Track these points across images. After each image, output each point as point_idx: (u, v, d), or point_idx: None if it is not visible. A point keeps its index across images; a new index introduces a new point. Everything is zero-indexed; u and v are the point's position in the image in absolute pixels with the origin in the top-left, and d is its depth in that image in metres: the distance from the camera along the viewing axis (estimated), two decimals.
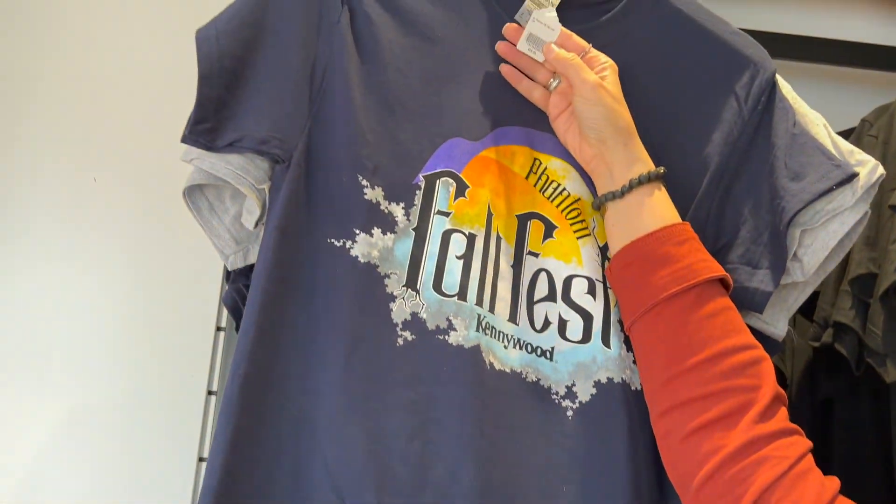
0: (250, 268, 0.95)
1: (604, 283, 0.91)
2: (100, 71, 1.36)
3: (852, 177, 0.89)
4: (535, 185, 0.93)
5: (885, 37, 1.48)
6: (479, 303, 0.86)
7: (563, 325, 0.89)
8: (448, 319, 0.85)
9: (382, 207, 0.87)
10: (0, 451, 1.24)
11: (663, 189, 0.89)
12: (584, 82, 0.89)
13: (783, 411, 0.80)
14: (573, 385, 0.88)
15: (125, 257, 1.31)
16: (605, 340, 0.89)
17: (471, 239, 0.88)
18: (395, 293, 0.85)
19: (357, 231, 0.85)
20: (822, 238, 0.90)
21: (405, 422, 0.81)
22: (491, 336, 0.86)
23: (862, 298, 1.27)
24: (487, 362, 0.85)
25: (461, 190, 0.90)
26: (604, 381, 0.88)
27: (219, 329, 1.29)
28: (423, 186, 0.88)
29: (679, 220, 0.87)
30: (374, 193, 0.87)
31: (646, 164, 0.89)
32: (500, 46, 0.95)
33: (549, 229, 0.92)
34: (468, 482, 0.80)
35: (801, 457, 0.76)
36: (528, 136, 0.94)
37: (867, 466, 1.33)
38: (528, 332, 0.89)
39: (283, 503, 0.80)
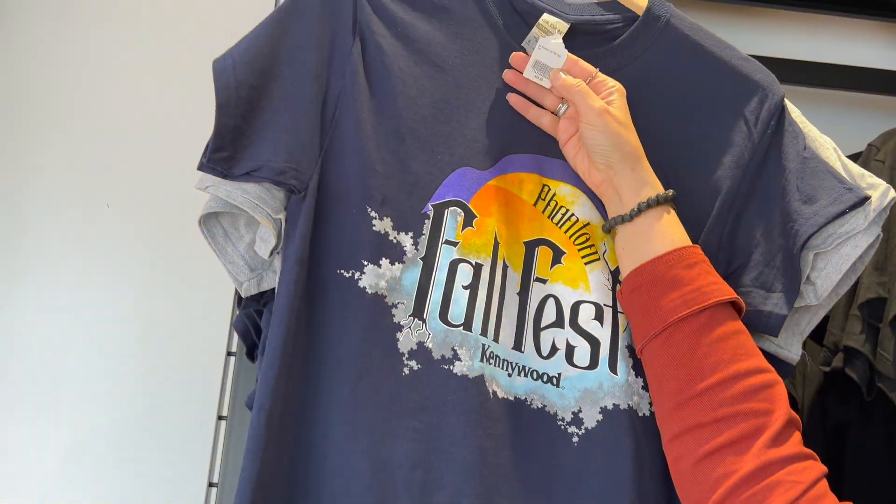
0: (262, 293, 0.91)
1: (613, 308, 0.86)
2: (114, 98, 1.33)
3: (864, 200, 0.84)
4: (543, 212, 0.89)
5: (891, 62, 1.41)
6: (484, 332, 0.82)
7: (570, 351, 0.85)
8: (453, 349, 0.81)
9: (391, 238, 0.83)
10: (11, 475, 1.21)
11: (673, 212, 0.84)
12: (590, 108, 0.84)
13: (797, 436, 0.74)
14: (580, 411, 0.83)
15: (136, 283, 1.28)
16: (613, 366, 0.84)
17: (477, 269, 0.84)
18: (402, 323, 0.81)
19: (365, 262, 0.82)
20: (835, 261, 0.85)
21: (409, 450, 0.78)
22: (495, 365, 0.82)
23: (872, 323, 1.20)
24: (491, 391, 0.81)
25: (469, 220, 0.85)
26: (610, 407, 0.83)
27: (229, 354, 1.25)
28: (431, 216, 0.84)
29: (689, 242, 0.82)
30: (382, 224, 0.83)
31: (654, 188, 0.84)
32: (508, 75, 0.90)
33: (558, 255, 0.87)
34: None
35: (816, 482, 0.71)
36: (538, 162, 0.90)
37: (880, 492, 1.26)
38: (534, 358, 0.84)
39: None
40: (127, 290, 1.28)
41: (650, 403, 0.84)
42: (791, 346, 0.89)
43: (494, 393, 0.82)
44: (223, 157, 0.80)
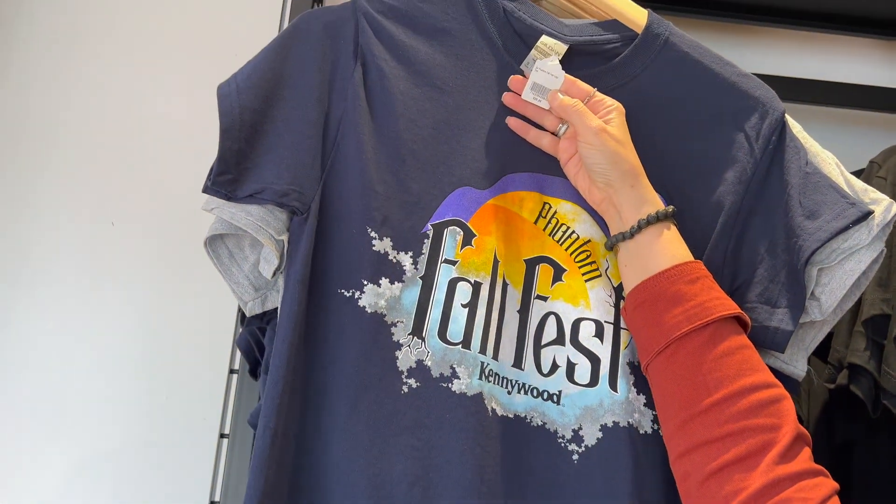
0: (264, 312, 0.88)
1: (614, 325, 0.82)
2: (120, 118, 1.30)
3: (868, 215, 0.79)
4: (544, 230, 0.84)
5: (890, 79, 1.36)
6: (483, 350, 0.78)
7: (571, 368, 0.80)
8: (452, 367, 0.77)
9: (391, 257, 0.79)
10: (14, 493, 1.16)
11: (674, 228, 0.79)
12: (587, 128, 0.80)
13: (806, 451, 0.69)
14: (580, 429, 0.78)
15: (139, 301, 1.24)
16: (613, 384, 0.79)
17: (476, 287, 0.79)
18: (401, 341, 0.77)
19: (365, 282, 0.78)
20: (840, 276, 0.80)
21: (407, 468, 0.74)
22: (494, 383, 0.78)
23: (876, 340, 1.14)
24: (489, 409, 0.76)
25: (468, 239, 0.81)
26: (610, 424, 0.78)
27: (232, 372, 1.20)
28: (431, 235, 0.80)
29: (691, 258, 0.77)
30: (382, 244, 0.79)
31: (654, 205, 0.80)
32: (506, 97, 0.86)
33: (559, 272, 0.83)
34: None
35: (826, 499, 0.66)
36: (538, 181, 0.85)
37: None
38: (534, 376, 0.80)
39: None
40: (130, 307, 1.24)
41: (652, 420, 0.79)
42: (797, 362, 0.84)
43: (493, 410, 0.77)
44: (227, 181, 0.78)
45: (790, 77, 1.26)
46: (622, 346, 0.81)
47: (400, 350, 0.77)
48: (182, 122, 1.29)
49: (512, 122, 0.87)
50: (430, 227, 0.81)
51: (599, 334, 0.81)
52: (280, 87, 0.83)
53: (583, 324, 0.82)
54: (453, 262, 0.80)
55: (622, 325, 0.82)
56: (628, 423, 0.79)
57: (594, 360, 0.81)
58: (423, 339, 0.78)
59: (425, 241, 0.81)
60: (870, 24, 1.30)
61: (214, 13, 1.35)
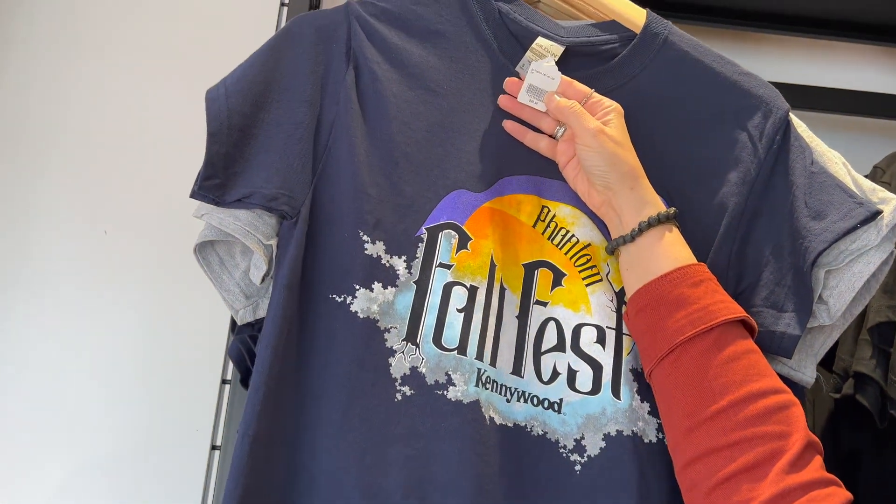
0: (256, 320, 0.84)
1: (616, 330, 0.77)
2: (112, 125, 1.26)
3: (876, 214, 0.75)
4: (542, 233, 0.80)
5: (894, 86, 1.36)
6: (480, 356, 0.73)
7: (572, 375, 0.75)
8: (447, 374, 0.72)
9: (384, 262, 0.75)
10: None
11: (676, 230, 0.75)
12: (585, 129, 0.76)
13: (818, 460, 0.65)
14: (582, 438, 0.73)
15: (131, 310, 1.19)
16: (616, 391, 0.75)
17: (472, 291, 0.75)
18: (394, 347, 0.73)
19: (357, 286, 0.74)
20: (848, 279, 0.76)
21: (401, 478, 0.69)
22: (492, 390, 0.73)
23: (882, 348, 1.09)
24: (487, 417, 0.72)
25: (463, 242, 0.77)
26: (613, 433, 0.73)
27: (224, 382, 1.16)
28: (425, 239, 0.76)
29: (694, 260, 0.73)
30: (374, 248, 0.75)
31: (655, 207, 0.76)
32: (502, 100, 0.82)
33: (558, 277, 0.78)
34: None
35: None
36: (536, 184, 0.81)
37: None
38: (534, 384, 0.75)
39: None
40: (122, 317, 1.19)
41: (657, 429, 0.74)
42: (805, 369, 0.79)
43: (491, 419, 0.72)
44: (214, 185, 0.75)
45: (792, 84, 1.22)
46: (625, 353, 0.77)
47: (393, 356, 0.73)
48: (178, 129, 1.26)
49: (508, 125, 0.83)
50: (424, 230, 0.77)
51: (601, 340, 0.77)
52: (270, 90, 0.79)
53: (584, 330, 0.77)
54: (448, 266, 0.76)
55: (624, 330, 0.78)
56: (632, 431, 0.74)
57: (596, 367, 0.76)
58: (417, 346, 0.74)
59: (419, 244, 0.77)
60: (873, 31, 1.26)
61: (211, 20, 1.32)
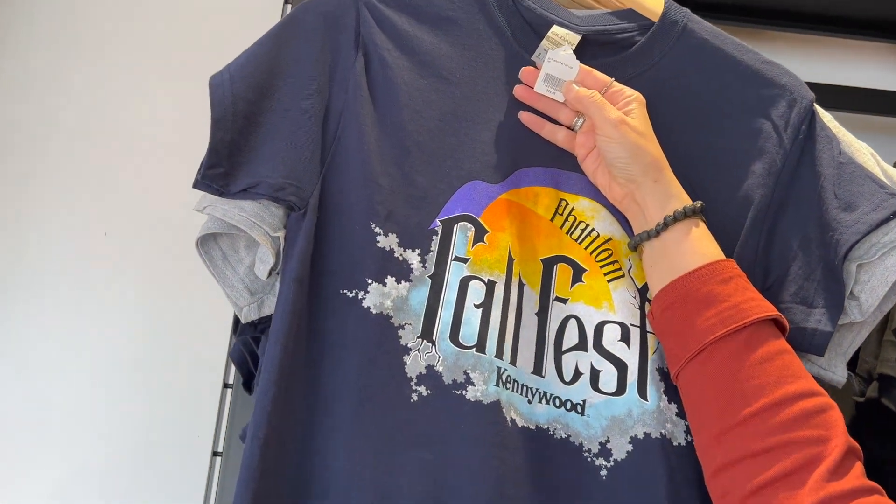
0: (259, 319, 0.79)
1: (640, 328, 0.72)
2: (110, 124, 1.21)
3: None
4: (560, 227, 0.75)
5: None
6: (500, 354, 0.69)
7: (595, 375, 0.71)
8: (465, 373, 0.67)
9: (397, 255, 0.70)
10: None
11: (702, 224, 0.70)
12: (606, 120, 0.72)
13: (859, 466, 0.60)
14: (607, 441, 0.69)
15: (131, 311, 1.15)
16: (642, 391, 0.70)
17: (490, 286, 0.71)
18: (409, 345, 0.68)
19: (369, 280, 0.69)
20: (881, 273, 0.71)
21: (417, 484, 0.65)
22: (512, 390, 0.68)
23: None
24: (508, 419, 0.67)
25: (480, 235, 0.72)
26: (640, 436, 0.69)
27: (226, 386, 1.11)
28: (440, 231, 0.72)
29: (722, 256, 0.69)
30: (387, 241, 0.71)
31: (680, 200, 0.71)
32: (518, 90, 0.78)
33: (578, 273, 0.74)
34: None
35: None
36: (553, 176, 0.77)
37: None
38: (556, 384, 0.70)
39: None
40: (120, 319, 1.15)
41: (685, 431, 0.70)
42: (835, 368, 0.75)
43: (513, 421, 0.67)
44: (219, 174, 0.70)
45: (808, 82, 1.17)
46: (650, 351, 0.72)
47: (408, 354, 0.68)
48: (179, 129, 1.21)
49: (524, 116, 0.78)
50: (438, 222, 0.73)
51: (625, 338, 0.72)
52: (276, 77, 0.75)
53: (607, 327, 0.72)
54: (464, 260, 0.72)
55: (649, 328, 0.73)
56: (661, 433, 0.69)
57: (620, 367, 0.71)
58: (433, 343, 0.69)
59: (434, 237, 0.72)
60: (882, 28, 1.21)
61: (212, 20, 1.28)
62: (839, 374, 0.75)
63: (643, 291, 0.74)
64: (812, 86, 0.81)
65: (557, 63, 0.77)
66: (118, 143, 1.22)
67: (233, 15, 1.28)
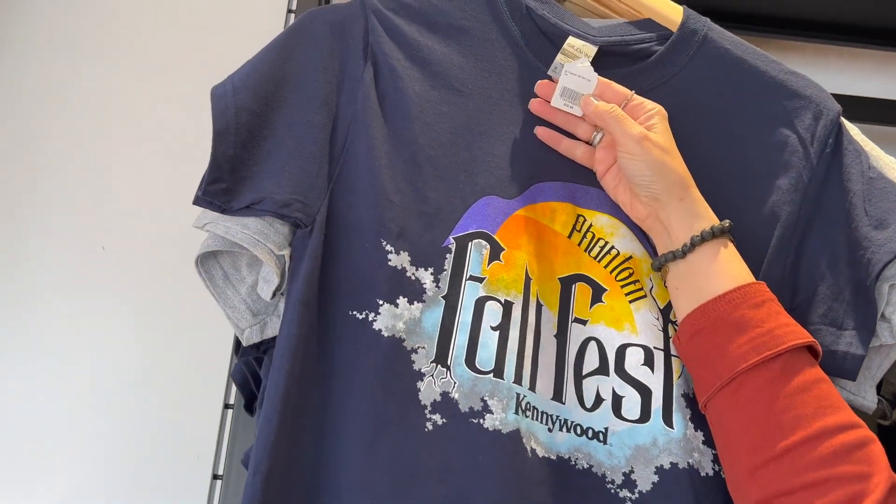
0: (265, 340, 0.76)
1: (664, 351, 0.68)
2: (109, 138, 1.17)
3: None
4: (579, 245, 0.71)
5: None
6: (518, 380, 0.64)
7: (617, 401, 0.66)
8: (483, 400, 0.63)
9: (409, 274, 0.66)
10: None
11: (731, 245, 0.66)
12: (628, 135, 0.68)
13: None
14: (631, 472, 0.64)
15: (129, 328, 1.10)
16: (667, 419, 0.66)
17: (507, 307, 0.66)
18: (422, 370, 0.64)
19: (380, 301, 0.65)
20: None
21: None
22: (532, 418, 0.64)
23: None
24: (529, 449, 0.63)
25: (496, 253, 0.68)
26: (667, 466, 0.64)
27: (227, 406, 1.05)
28: (453, 249, 0.68)
29: (752, 278, 0.65)
30: (399, 259, 0.66)
31: (707, 219, 0.67)
32: (534, 105, 0.74)
33: (598, 293, 0.70)
34: None
35: None
36: (570, 191, 0.73)
37: None
38: (577, 411, 0.66)
39: None
40: (119, 336, 1.09)
41: (713, 460, 0.66)
42: (866, 393, 0.71)
43: (533, 451, 0.63)
44: (221, 190, 0.66)
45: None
46: (675, 376, 0.68)
47: (422, 380, 0.64)
48: (179, 142, 1.17)
49: (541, 132, 0.74)
50: (451, 240, 0.69)
51: (649, 362, 0.68)
52: (281, 88, 0.71)
53: (629, 350, 0.68)
54: (480, 279, 0.67)
55: (673, 351, 0.69)
56: (688, 464, 0.65)
57: (644, 392, 0.67)
58: (448, 368, 0.64)
59: (447, 255, 0.68)
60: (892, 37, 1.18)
61: (215, 30, 1.23)
62: (869, 400, 0.71)
63: (666, 312, 0.70)
64: (837, 98, 0.78)
65: (575, 76, 0.73)
66: (118, 155, 1.17)
67: (235, 24, 1.24)
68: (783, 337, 0.61)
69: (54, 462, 1.05)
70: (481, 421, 0.63)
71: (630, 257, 0.72)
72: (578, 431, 0.66)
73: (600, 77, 0.73)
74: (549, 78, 0.75)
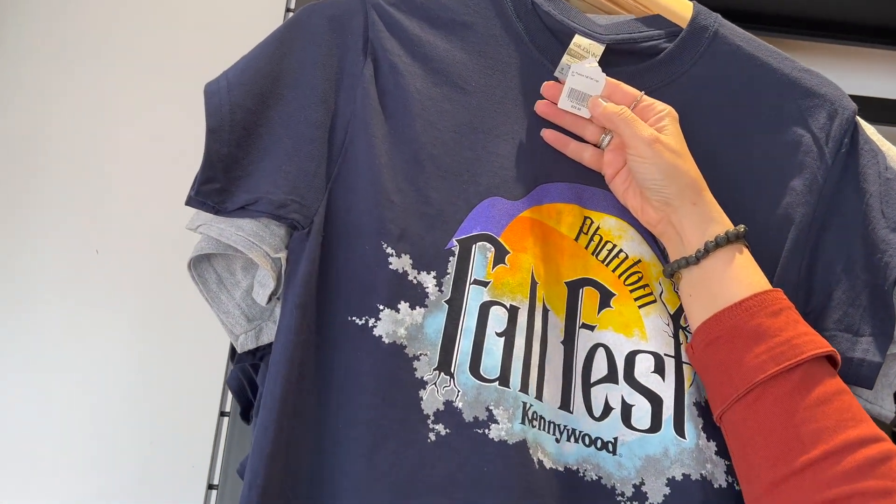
0: (258, 347, 0.73)
1: (675, 358, 0.66)
2: (103, 142, 1.14)
3: None
4: (586, 248, 0.69)
5: None
6: (524, 388, 0.62)
7: (626, 410, 0.64)
8: (488, 409, 0.60)
9: (410, 277, 0.64)
10: None
11: (746, 251, 0.64)
12: (638, 138, 0.65)
13: None
14: (642, 484, 0.62)
15: (123, 334, 1.06)
16: (679, 429, 0.63)
17: (512, 312, 0.64)
18: (425, 378, 0.61)
19: (381, 307, 0.63)
20: None
21: None
22: (539, 428, 0.62)
23: None
24: (536, 460, 0.60)
25: (500, 256, 0.66)
26: (679, 478, 0.62)
27: (222, 414, 1.02)
28: (457, 252, 0.65)
29: (769, 285, 0.62)
30: (400, 262, 0.64)
31: (722, 224, 0.65)
32: (540, 106, 0.71)
33: (606, 297, 0.67)
34: None
35: None
36: (577, 192, 0.70)
37: None
38: (585, 420, 0.64)
39: None
40: (112, 343, 1.06)
41: (726, 472, 0.63)
42: (883, 401, 0.68)
43: (540, 462, 0.60)
44: (214, 190, 0.63)
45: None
46: (686, 384, 0.65)
47: (424, 389, 0.61)
48: (174, 145, 1.14)
49: (547, 135, 0.72)
50: (455, 242, 0.66)
51: (660, 370, 0.65)
52: (278, 85, 0.68)
53: (639, 357, 0.66)
54: (484, 284, 0.65)
55: (684, 358, 0.66)
56: (700, 475, 0.62)
57: (655, 401, 0.64)
58: (451, 376, 0.62)
59: (450, 258, 0.65)
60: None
61: (212, 31, 1.21)
62: (887, 409, 0.68)
63: (676, 317, 0.68)
64: (853, 98, 0.75)
65: (582, 77, 0.71)
66: (111, 158, 1.15)
67: (233, 24, 1.21)
68: (802, 346, 0.58)
69: (47, 470, 1.02)
70: (486, 431, 0.60)
71: (639, 261, 0.69)
72: (587, 442, 0.63)
73: (609, 78, 0.71)
74: (555, 79, 0.73)
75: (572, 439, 0.63)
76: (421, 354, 0.62)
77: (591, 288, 0.68)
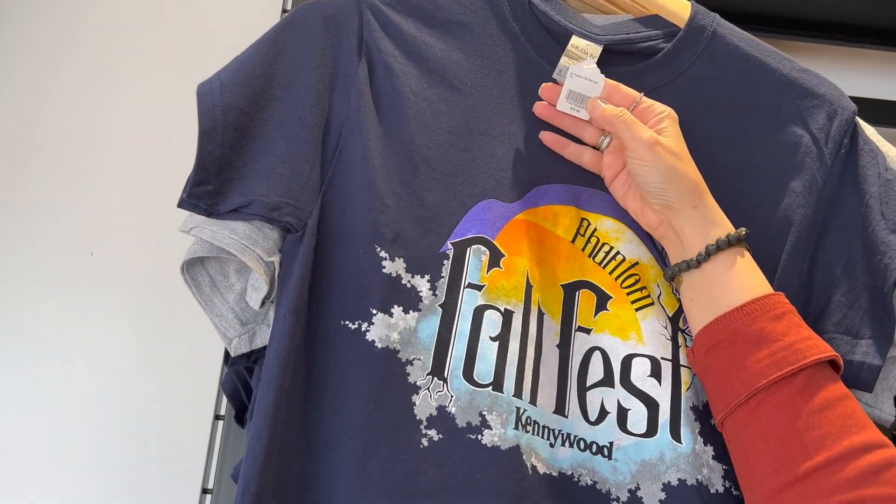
0: (254, 350, 0.72)
1: (672, 362, 0.65)
2: (97, 143, 1.12)
3: None
4: (583, 250, 0.68)
5: None
6: (518, 393, 0.61)
7: (622, 414, 0.63)
8: (481, 415, 0.60)
9: (404, 281, 0.63)
10: None
11: (747, 254, 0.63)
12: (637, 140, 0.64)
13: None
14: (637, 489, 0.61)
15: (117, 337, 1.05)
16: (675, 433, 0.62)
17: (507, 316, 0.63)
18: (418, 383, 0.60)
19: (374, 311, 0.62)
20: None
21: None
22: (533, 433, 0.61)
23: None
24: (529, 465, 0.59)
25: (495, 259, 0.65)
26: (674, 482, 0.61)
27: (217, 418, 1.01)
28: (451, 255, 0.64)
29: (771, 289, 0.61)
30: (393, 266, 0.63)
31: (723, 227, 0.64)
32: (538, 108, 0.70)
33: (602, 300, 0.66)
34: None
35: None
36: (574, 193, 0.70)
37: None
38: (580, 424, 0.63)
39: None
40: (106, 346, 1.04)
41: (723, 476, 0.62)
42: (883, 405, 0.67)
43: (534, 468, 0.60)
44: (207, 192, 0.63)
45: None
46: (683, 388, 0.64)
47: (417, 394, 0.60)
48: (169, 147, 1.13)
49: (546, 137, 0.71)
50: (449, 245, 0.65)
51: (656, 373, 0.64)
52: (272, 86, 0.67)
53: (635, 361, 0.65)
54: (479, 287, 0.64)
55: (682, 362, 0.65)
56: (697, 480, 0.61)
57: (651, 405, 0.64)
58: (444, 381, 0.61)
59: (444, 262, 0.64)
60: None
61: (208, 32, 1.20)
62: (887, 412, 0.67)
63: (675, 320, 0.67)
64: (853, 99, 0.74)
65: (581, 78, 0.70)
66: (105, 160, 1.14)
67: (229, 25, 1.20)
68: (805, 351, 0.57)
69: (41, 474, 1.01)
70: (479, 437, 0.59)
71: (636, 263, 0.68)
72: (582, 446, 0.62)
73: (607, 79, 0.70)
74: (553, 80, 0.72)
75: (567, 444, 0.62)
76: (414, 359, 0.61)
77: (587, 291, 0.67)
